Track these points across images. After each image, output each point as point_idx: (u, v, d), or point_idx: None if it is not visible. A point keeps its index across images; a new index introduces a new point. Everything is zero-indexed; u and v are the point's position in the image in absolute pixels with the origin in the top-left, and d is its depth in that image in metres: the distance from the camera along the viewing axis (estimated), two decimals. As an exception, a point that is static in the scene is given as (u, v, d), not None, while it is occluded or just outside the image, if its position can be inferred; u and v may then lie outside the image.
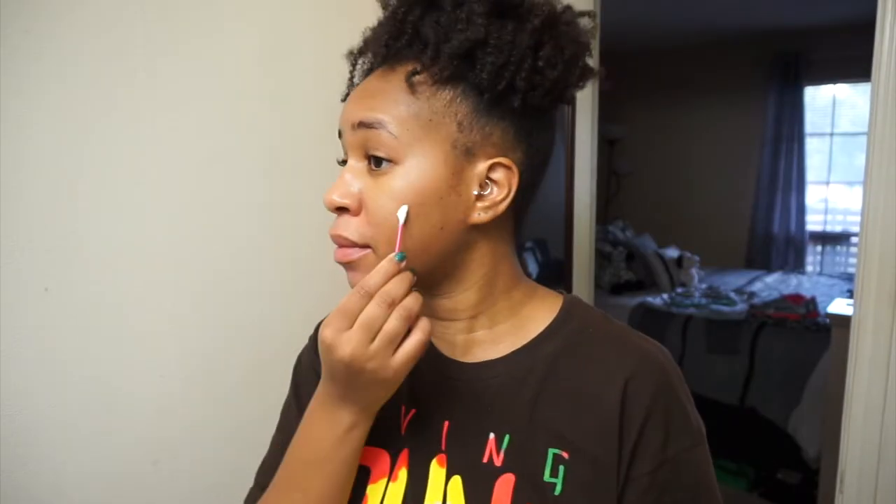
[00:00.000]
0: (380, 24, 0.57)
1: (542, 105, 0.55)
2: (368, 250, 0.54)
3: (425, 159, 0.52)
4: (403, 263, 0.51)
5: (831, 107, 4.42)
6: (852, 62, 2.85)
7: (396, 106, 0.52)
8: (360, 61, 0.60)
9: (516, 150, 0.55)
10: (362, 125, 0.53)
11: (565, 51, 0.54)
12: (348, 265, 0.55)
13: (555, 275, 2.01)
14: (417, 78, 0.52)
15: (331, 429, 0.54)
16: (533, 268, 2.08)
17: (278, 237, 1.08)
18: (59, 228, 0.82)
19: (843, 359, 1.27)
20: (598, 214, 2.11)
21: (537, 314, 0.60)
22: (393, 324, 0.49)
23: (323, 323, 0.51)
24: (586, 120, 1.92)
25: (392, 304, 0.49)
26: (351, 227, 0.54)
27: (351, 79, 0.61)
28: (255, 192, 1.04)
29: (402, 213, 0.52)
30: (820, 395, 2.48)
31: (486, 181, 0.54)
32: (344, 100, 0.61)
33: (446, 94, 0.53)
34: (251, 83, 1.02)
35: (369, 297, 0.49)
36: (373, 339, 0.49)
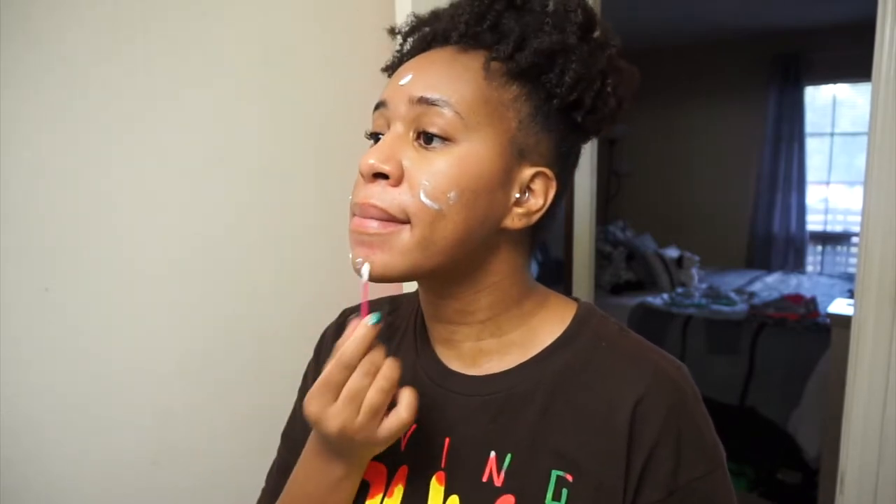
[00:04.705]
0: (457, 5, 0.55)
1: (592, 130, 0.56)
2: (405, 227, 0.49)
3: (484, 146, 0.50)
4: (379, 326, 0.49)
5: (831, 107, 4.42)
6: (852, 62, 2.85)
7: (467, 86, 0.50)
8: (409, 39, 0.59)
9: (555, 166, 0.54)
10: (423, 101, 0.50)
11: (621, 88, 0.54)
12: (370, 238, 0.50)
13: (555, 275, 2.01)
14: (495, 65, 0.51)
15: (324, 476, 0.54)
16: (533, 268, 2.08)
17: (277, 237, 1.08)
18: (59, 228, 0.82)
19: (843, 359, 1.27)
20: (598, 214, 2.11)
21: (547, 324, 0.58)
22: (375, 396, 0.48)
23: (307, 396, 0.50)
24: (586, 120, 1.92)
25: (374, 374, 0.48)
26: (388, 197, 0.49)
27: (401, 51, 0.59)
28: (254, 191, 1.04)
29: (365, 271, 0.49)
30: (820, 395, 2.48)
31: (526, 188, 0.53)
32: (386, 69, 0.60)
33: (515, 90, 0.52)
34: (251, 84, 1.02)
35: (350, 368, 0.48)
36: (358, 411, 0.48)
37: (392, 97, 0.52)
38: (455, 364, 0.59)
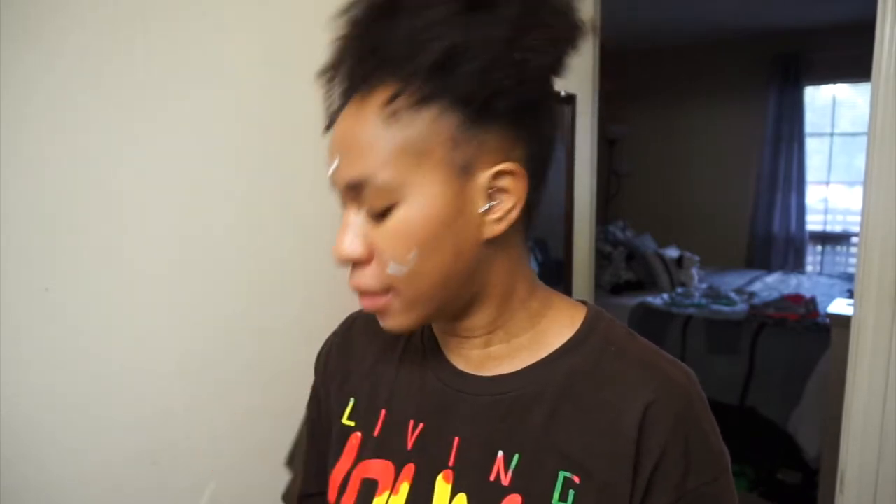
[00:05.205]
0: (343, 43, 0.52)
1: (535, 96, 0.51)
2: (390, 295, 0.52)
3: (424, 190, 0.49)
4: None
5: (831, 107, 4.42)
6: (852, 62, 2.85)
7: (380, 149, 0.48)
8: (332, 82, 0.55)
9: (516, 148, 0.51)
10: (350, 186, 0.50)
11: (556, 29, 0.48)
12: (378, 312, 0.54)
13: (555, 275, 2.01)
14: (394, 105, 0.47)
15: None
16: (533, 268, 2.08)
17: (278, 238, 1.08)
18: (59, 228, 0.82)
19: (843, 359, 1.27)
20: (598, 214, 2.11)
21: (555, 326, 0.57)
22: None
23: None
24: (586, 120, 1.92)
25: None
26: (367, 276, 0.52)
27: (329, 104, 0.55)
28: (254, 192, 1.04)
29: None
30: (820, 395, 2.48)
31: (491, 192, 0.50)
32: (326, 130, 0.56)
33: (428, 114, 0.48)
34: (250, 83, 1.02)
35: None
36: None
37: (334, 184, 0.53)
38: (462, 365, 0.59)
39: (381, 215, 0.50)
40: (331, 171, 0.52)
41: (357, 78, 0.51)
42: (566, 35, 0.49)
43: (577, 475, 0.51)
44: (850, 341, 1.22)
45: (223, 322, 1.02)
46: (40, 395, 0.82)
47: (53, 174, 0.81)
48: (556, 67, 0.51)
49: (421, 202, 0.49)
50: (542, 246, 2.07)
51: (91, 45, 0.82)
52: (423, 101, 0.48)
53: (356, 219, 0.52)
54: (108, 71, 0.84)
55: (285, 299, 1.10)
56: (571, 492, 0.51)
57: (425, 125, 0.48)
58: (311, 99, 1.10)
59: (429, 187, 0.49)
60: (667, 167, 4.82)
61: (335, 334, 0.71)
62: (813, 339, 2.69)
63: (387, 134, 0.48)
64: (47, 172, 0.80)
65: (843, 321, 1.90)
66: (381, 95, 0.48)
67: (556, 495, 0.51)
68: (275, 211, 1.07)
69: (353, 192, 0.50)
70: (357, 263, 0.52)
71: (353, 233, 0.51)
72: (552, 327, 0.58)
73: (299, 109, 1.09)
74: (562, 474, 0.52)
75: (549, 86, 0.53)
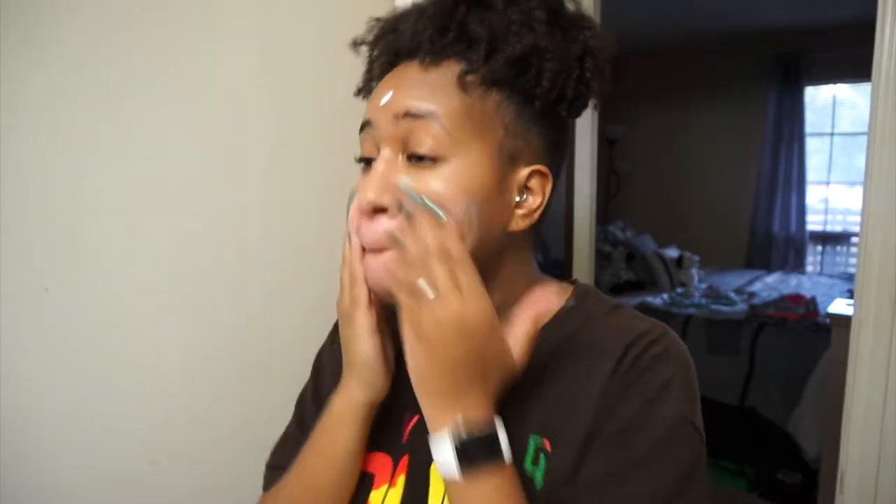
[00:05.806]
0: (418, 15, 0.54)
1: (577, 115, 0.56)
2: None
3: (473, 158, 0.50)
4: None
5: (831, 107, 4.42)
6: (852, 62, 2.85)
7: (450, 99, 0.50)
8: (375, 52, 0.58)
9: (550, 154, 0.55)
10: (409, 115, 0.50)
11: (602, 62, 0.54)
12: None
13: (555, 275, 2.01)
14: (470, 77, 0.50)
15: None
16: (535, 266, 2.08)
17: (278, 237, 1.08)
18: (59, 228, 0.82)
19: (843, 359, 1.26)
20: (598, 214, 2.11)
21: (544, 308, 0.59)
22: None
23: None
24: (586, 120, 1.92)
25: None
26: (386, 227, 0.50)
27: (370, 70, 0.58)
28: (255, 191, 1.04)
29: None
30: (820, 395, 2.48)
31: (524, 188, 0.54)
32: (359, 93, 0.59)
33: (496, 97, 0.51)
34: (251, 83, 1.02)
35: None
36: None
37: (376, 116, 0.52)
38: None
39: (423, 163, 0.49)
40: (383, 101, 0.51)
41: (427, 46, 0.51)
42: (610, 71, 0.54)
43: (547, 440, 0.52)
44: (850, 341, 1.22)
45: (224, 323, 1.02)
46: (40, 395, 0.82)
47: (53, 174, 0.81)
48: (597, 97, 0.55)
49: (471, 168, 0.50)
50: (542, 246, 2.07)
51: (93, 45, 0.82)
52: (494, 83, 0.51)
53: (389, 162, 0.50)
54: (109, 71, 0.84)
55: (290, 299, 1.10)
56: (542, 456, 0.52)
57: (492, 106, 0.51)
58: (318, 100, 1.10)
59: (478, 157, 0.50)
60: (667, 167, 4.82)
61: (329, 339, 0.72)
62: (813, 339, 2.68)
63: (459, 95, 0.50)
64: (47, 172, 0.80)
65: (843, 321, 1.89)
66: (450, 67, 0.51)
67: (528, 460, 0.52)
68: (278, 209, 1.07)
69: (406, 124, 0.49)
70: (377, 214, 0.51)
71: (383, 178, 0.50)
72: (540, 310, 0.58)
73: (306, 111, 1.09)
74: (533, 439, 0.52)
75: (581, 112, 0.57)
